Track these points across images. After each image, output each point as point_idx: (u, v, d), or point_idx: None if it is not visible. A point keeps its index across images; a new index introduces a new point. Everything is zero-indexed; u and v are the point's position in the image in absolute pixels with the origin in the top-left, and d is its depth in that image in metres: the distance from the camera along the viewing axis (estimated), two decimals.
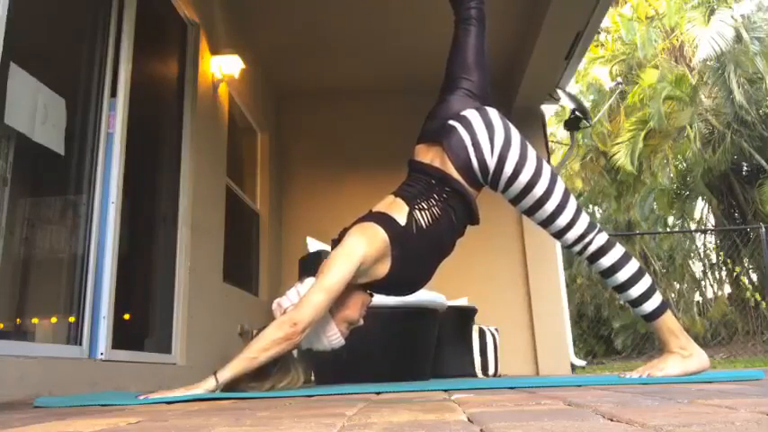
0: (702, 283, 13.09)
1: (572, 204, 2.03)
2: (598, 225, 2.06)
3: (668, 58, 13.22)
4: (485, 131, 2.03)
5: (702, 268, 13.15)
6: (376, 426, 0.92)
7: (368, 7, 4.98)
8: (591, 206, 16.05)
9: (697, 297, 12.78)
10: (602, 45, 14.05)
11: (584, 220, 2.03)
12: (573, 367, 5.73)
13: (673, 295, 12.53)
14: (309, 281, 2.00)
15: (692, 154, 12.46)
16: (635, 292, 2.00)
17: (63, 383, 2.36)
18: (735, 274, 11.84)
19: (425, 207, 2.01)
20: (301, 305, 1.85)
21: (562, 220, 2.01)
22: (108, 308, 2.80)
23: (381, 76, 6.08)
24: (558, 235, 2.04)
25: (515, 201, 2.07)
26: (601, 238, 2.02)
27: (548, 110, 6.85)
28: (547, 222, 2.04)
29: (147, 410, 1.43)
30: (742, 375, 2.07)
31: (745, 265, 11.68)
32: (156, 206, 3.73)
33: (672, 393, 1.38)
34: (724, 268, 12.52)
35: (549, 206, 2.01)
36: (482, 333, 4.54)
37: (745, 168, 12.50)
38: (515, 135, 2.05)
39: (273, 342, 1.81)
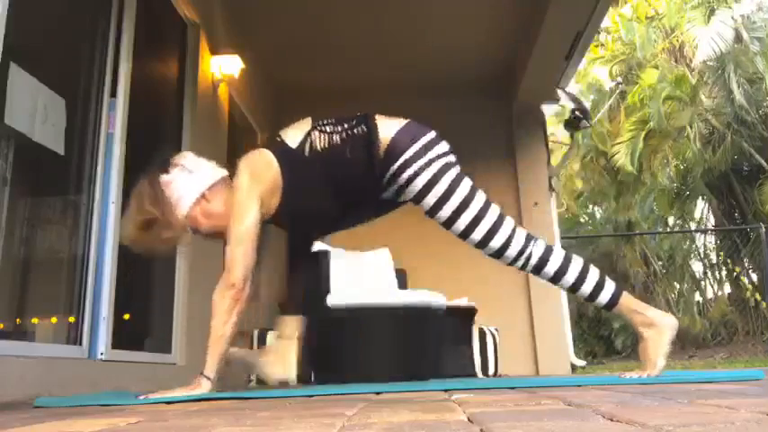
0: (702, 283, 13.09)
1: (507, 224, 1.96)
2: (534, 236, 2.00)
3: (668, 58, 13.22)
4: (433, 156, 1.94)
5: (702, 268, 13.15)
6: (376, 426, 0.92)
7: (368, 7, 4.98)
8: (591, 206, 16.05)
9: (697, 297, 12.78)
10: (602, 45, 14.05)
11: (520, 235, 1.96)
12: (573, 367, 5.73)
13: (673, 295, 12.53)
14: (192, 156, 2.03)
15: (691, 154, 12.45)
16: (587, 287, 1.98)
17: (63, 383, 2.36)
18: (735, 274, 11.83)
19: (327, 131, 1.94)
20: (229, 267, 1.86)
21: (496, 242, 1.95)
22: (108, 308, 2.80)
23: (381, 76, 6.08)
24: (496, 255, 1.99)
25: (445, 226, 1.97)
26: (539, 247, 1.97)
27: (548, 110, 6.85)
28: (482, 244, 1.97)
29: (147, 410, 1.43)
30: (742, 375, 2.07)
31: (745, 265, 11.68)
32: None
33: (672, 393, 1.38)
34: (724, 268, 12.52)
35: (479, 233, 1.94)
36: (482, 333, 4.54)
37: (745, 168, 12.49)
38: (452, 174, 1.94)
39: (227, 311, 1.84)
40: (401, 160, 1.91)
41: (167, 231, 1.95)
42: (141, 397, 1.78)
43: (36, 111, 2.48)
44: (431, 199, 1.91)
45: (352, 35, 5.36)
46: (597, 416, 0.95)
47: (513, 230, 1.96)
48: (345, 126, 1.94)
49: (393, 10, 5.02)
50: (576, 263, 1.99)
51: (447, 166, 1.93)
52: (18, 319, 2.61)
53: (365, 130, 1.93)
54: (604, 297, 1.99)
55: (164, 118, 3.92)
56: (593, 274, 1.99)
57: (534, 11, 4.95)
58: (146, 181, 2.02)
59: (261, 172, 1.93)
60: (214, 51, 4.41)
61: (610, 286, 1.99)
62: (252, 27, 5.11)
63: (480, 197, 1.96)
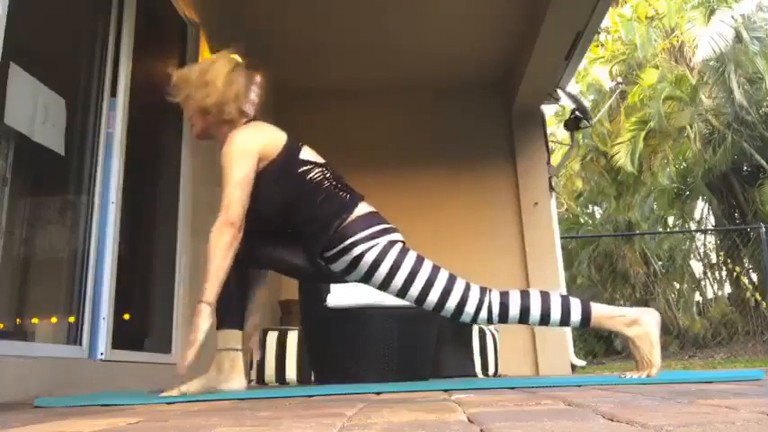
0: (702, 283, 13.09)
1: (459, 284, 1.97)
2: (487, 287, 1.99)
3: (668, 58, 13.22)
4: (384, 240, 1.99)
5: (702, 268, 13.15)
6: (376, 426, 0.92)
7: (368, 8, 4.98)
8: (591, 206, 16.04)
9: (697, 297, 12.78)
10: (602, 45, 14.06)
11: (474, 290, 1.97)
12: (573, 367, 5.73)
13: (673, 295, 12.53)
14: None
15: (692, 154, 12.46)
16: (555, 316, 1.97)
17: (63, 383, 2.36)
18: (735, 274, 11.84)
19: (326, 175, 2.04)
20: (228, 206, 1.96)
21: (452, 302, 1.96)
22: (108, 308, 2.80)
23: (382, 77, 6.08)
24: (456, 315, 1.98)
25: (399, 295, 2.00)
26: (495, 293, 1.98)
27: (548, 110, 6.86)
28: (439, 307, 1.98)
29: (147, 410, 1.43)
30: (742, 375, 2.07)
31: (745, 265, 11.68)
32: (156, 206, 3.73)
33: (672, 393, 1.38)
34: (724, 268, 12.52)
35: (433, 296, 1.96)
36: (482, 333, 4.54)
37: (745, 168, 12.50)
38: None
39: (226, 246, 1.92)
40: (359, 236, 1.97)
41: (202, 91, 2.08)
42: (162, 394, 1.80)
43: (36, 111, 2.48)
44: (382, 272, 1.96)
45: (352, 36, 5.36)
46: (597, 416, 0.95)
47: (467, 287, 1.98)
48: (339, 185, 2.04)
49: (393, 10, 5.02)
50: (535, 297, 1.99)
51: (393, 243, 1.99)
52: (18, 319, 2.61)
53: (346, 198, 2.02)
54: (576, 316, 1.98)
55: (164, 118, 3.92)
56: (556, 300, 1.99)
57: (534, 11, 4.95)
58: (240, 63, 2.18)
59: (270, 140, 2.04)
60: (214, 51, 4.40)
61: (577, 307, 1.98)
62: (252, 27, 5.11)
63: (428, 265, 2.00)
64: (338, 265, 2.01)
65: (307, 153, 2.08)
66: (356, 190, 2.09)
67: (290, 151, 2.05)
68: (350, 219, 1.98)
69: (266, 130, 2.09)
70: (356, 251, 1.96)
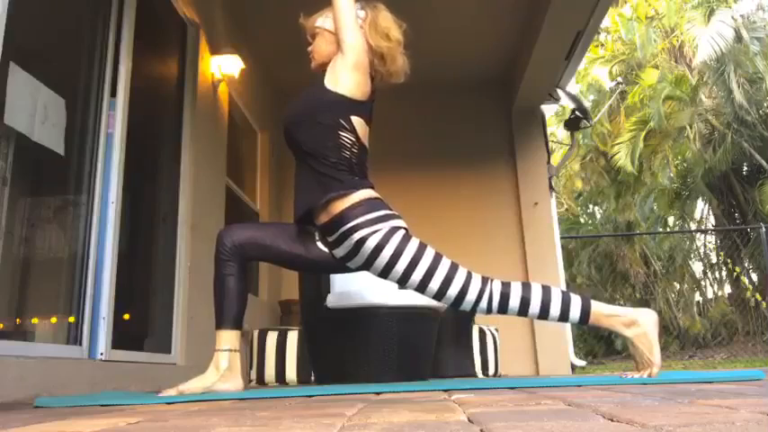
0: (702, 283, 13.09)
1: (460, 273, 1.97)
2: (489, 276, 2.00)
3: (668, 58, 13.22)
4: (386, 225, 1.97)
5: (702, 268, 13.15)
6: (376, 426, 0.92)
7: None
8: (591, 206, 16.05)
9: (697, 297, 12.78)
10: (602, 45, 14.06)
11: (476, 279, 1.97)
12: (573, 367, 5.73)
13: (673, 295, 12.53)
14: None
15: (692, 154, 12.46)
16: (555, 310, 1.97)
17: (63, 383, 2.36)
18: (735, 274, 11.84)
19: (355, 151, 2.04)
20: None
21: (453, 290, 1.95)
22: (108, 308, 2.80)
23: None
24: (456, 303, 1.98)
25: (401, 282, 1.99)
26: (497, 283, 1.98)
27: (548, 110, 6.85)
28: (440, 295, 1.97)
29: (147, 410, 1.43)
30: (742, 375, 2.07)
31: (745, 265, 11.68)
32: (155, 206, 3.73)
33: (672, 393, 1.38)
34: (724, 268, 12.52)
35: (435, 284, 1.95)
36: (482, 333, 4.54)
37: (745, 168, 12.50)
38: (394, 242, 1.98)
39: None
40: (360, 220, 1.95)
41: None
42: (160, 394, 1.80)
43: (36, 111, 2.48)
44: (383, 259, 1.95)
45: None
46: (597, 416, 0.95)
47: (469, 276, 1.97)
48: (356, 165, 2.03)
49: (392, 10, 5.01)
50: (536, 290, 1.99)
51: (396, 230, 1.97)
52: (18, 319, 2.61)
53: (353, 178, 2.00)
54: (575, 315, 1.98)
55: (163, 118, 3.92)
56: (557, 295, 1.99)
57: (534, 11, 4.95)
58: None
59: (365, 86, 2.11)
60: (214, 51, 4.41)
61: (577, 303, 1.98)
62: (252, 27, 5.11)
63: (430, 252, 1.98)
64: (340, 251, 2.00)
65: (359, 126, 2.07)
66: (369, 180, 2.07)
67: (354, 108, 2.06)
68: (348, 198, 1.96)
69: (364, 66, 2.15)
70: (357, 236, 1.94)
